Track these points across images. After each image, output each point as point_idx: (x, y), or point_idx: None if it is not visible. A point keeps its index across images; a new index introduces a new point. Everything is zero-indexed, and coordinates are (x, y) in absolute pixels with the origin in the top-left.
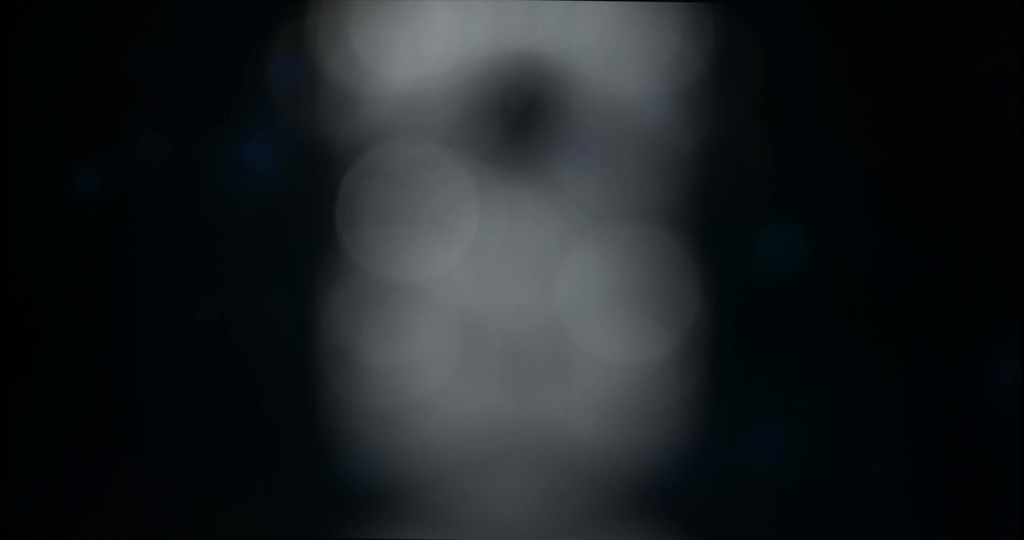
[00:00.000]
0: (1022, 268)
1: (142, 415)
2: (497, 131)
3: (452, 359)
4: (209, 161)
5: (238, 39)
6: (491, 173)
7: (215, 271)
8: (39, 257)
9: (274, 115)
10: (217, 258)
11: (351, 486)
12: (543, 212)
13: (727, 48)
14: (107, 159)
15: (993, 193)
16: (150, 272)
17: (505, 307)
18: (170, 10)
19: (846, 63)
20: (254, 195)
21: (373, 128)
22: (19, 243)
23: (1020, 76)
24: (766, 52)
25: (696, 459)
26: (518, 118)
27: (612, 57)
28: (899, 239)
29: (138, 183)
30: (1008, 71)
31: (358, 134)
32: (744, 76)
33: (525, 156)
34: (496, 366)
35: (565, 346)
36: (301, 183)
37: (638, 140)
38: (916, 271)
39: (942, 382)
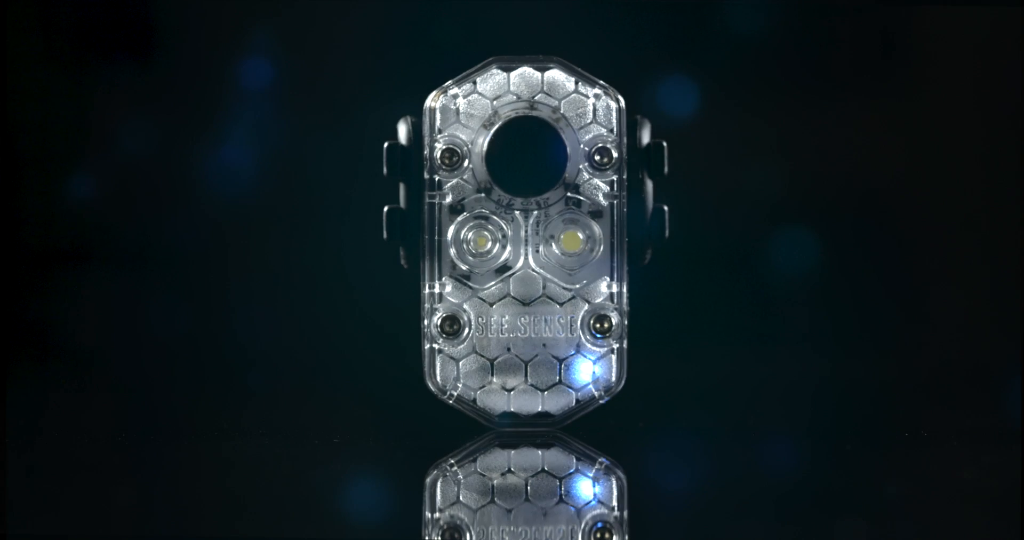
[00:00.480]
0: (1022, 281)
1: (141, 416)
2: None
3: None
4: (199, 163)
5: (225, 43)
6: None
7: (212, 271)
8: (39, 259)
9: (255, 117)
10: (210, 259)
11: None
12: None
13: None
14: (103, 161)
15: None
16: (147, 272)
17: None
18: (160, 15)
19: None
20: (250, 195)
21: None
22: (17, 245)
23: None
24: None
25: None
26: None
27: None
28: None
29: (133, 185)
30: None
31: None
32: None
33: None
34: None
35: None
36: (297, 183)
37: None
38: (916, 282)
39: (944, 395)
